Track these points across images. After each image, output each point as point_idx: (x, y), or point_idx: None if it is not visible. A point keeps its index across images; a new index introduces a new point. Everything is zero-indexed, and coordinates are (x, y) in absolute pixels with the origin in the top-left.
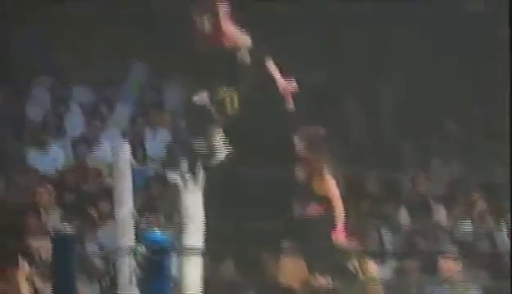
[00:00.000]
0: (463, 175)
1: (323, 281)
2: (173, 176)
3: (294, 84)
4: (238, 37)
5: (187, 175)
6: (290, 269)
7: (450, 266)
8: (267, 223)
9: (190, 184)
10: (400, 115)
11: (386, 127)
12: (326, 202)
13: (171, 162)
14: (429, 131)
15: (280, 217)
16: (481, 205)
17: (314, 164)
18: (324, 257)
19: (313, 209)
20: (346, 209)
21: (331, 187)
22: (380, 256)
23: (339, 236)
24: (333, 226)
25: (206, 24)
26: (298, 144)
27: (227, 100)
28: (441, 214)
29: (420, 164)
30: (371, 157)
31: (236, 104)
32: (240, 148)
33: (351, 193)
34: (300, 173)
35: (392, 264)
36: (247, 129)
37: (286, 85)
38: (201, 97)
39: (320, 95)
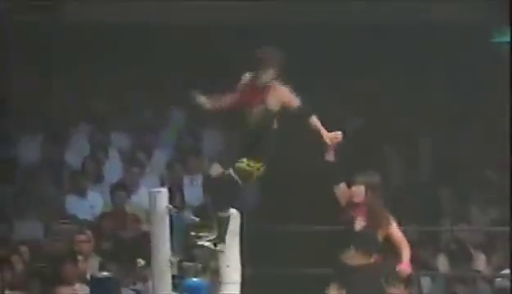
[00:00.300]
0: (502, 222)
1: None
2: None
3: (339, 134)
4: (289, 96)
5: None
6: None
7: None
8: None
9: (231, 230)
10: (439, 162)
11: (425, 175)
12: (388, 248)
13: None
14: (468, 178)
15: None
16: None
17: (379, 212)
18: None
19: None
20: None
21: (398, 232)
22: None
23: (406, 268)
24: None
25: (262, 79)
26: (358, 192)
27: (254, 173)
28: (480, 261)
29: (459, 211)
30: (410, 204)
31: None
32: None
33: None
34: (359, 223)
35: None
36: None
37: (332, 136)
38: (215, 169)
39: (358, 143)
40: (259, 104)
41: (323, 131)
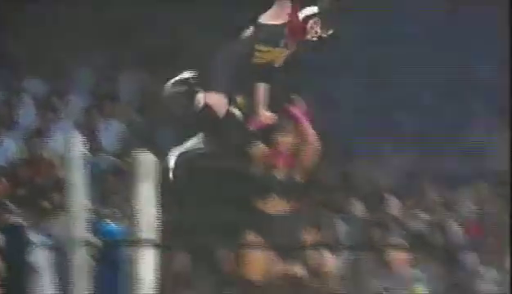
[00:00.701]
0: (415, 166)
1: (288, 272)
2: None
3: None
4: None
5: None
6: (254, 261)
7: (402, 258)
8: (229, 216)
9: (145, 175)
10: (354, 107)
11: (340, 119)
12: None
13: (125, 153)
14: (381, 123)
15: (242, 210)
16: (433, 196)
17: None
18: (290, 250)
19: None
20: (301, 201)
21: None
22: (335, 248)
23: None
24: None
25: None
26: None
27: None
28: (394, 205)
29: (373, 156)
30: (325, 149)
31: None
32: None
33: (306, 185)
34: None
35: (346, 255)
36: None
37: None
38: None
39: None
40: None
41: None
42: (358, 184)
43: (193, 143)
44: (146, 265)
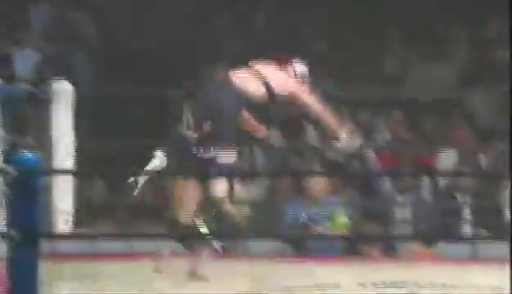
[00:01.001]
0: (332, 93)
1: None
2: None
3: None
4: None
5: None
6: (173, 189)
7: (320, 185)
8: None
9: (61, 103)
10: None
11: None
12: None
13: (40, 80)
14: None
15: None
16: (351, 124)
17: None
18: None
19: None
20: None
21: None
22: (252, 175)
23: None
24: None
25: None
26: None
27: None
28: (311, 133)
29: None
30: None
31: None
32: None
33: None
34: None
35: (263, 183)
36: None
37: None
38: None
39: None
40: None
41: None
42: (275, 112)
43: (157, 163)
44: (63, 194)
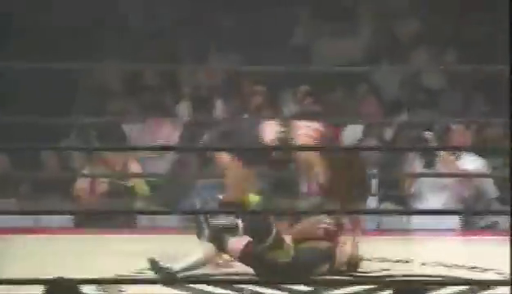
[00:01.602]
0: (240, 68)
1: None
2: None
3: None
4: None
5: None
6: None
7: (226, 159)
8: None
9: None
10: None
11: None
12: None
13: None
14: (207, 25)
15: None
16: (258, 98)
17: None
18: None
19: None
20: (126, 102)
21: None
22: (161, 150)
23: None
24: None
25: None
26: None
27: None
28: (219, 107)
29: (198, 58)
30: (150, 50)
31: None
32: None
33: (131, 86)
34: None
35: (172, 157)
36: None
37: None
38: None
39: None
40: None
41: None
42: (184, 86)
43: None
44: None
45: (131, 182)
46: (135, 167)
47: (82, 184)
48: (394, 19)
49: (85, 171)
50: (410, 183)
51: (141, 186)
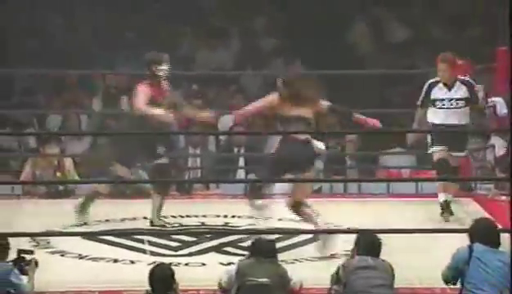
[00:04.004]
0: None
1: None
2: None
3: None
4: None
5: None
6: None
7: None
8: None
9: None
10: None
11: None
12: None
13: None
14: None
15: None
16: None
17: None
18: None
19: None
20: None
21: None
22: (78, 136)
23: None
24: None
25: None
26: None
27: None
28: (124, 102)
29: (108, 64)
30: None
31: None
32: None
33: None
34: None
35: (88, 140)
36: None
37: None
38: None
39: None
40: None
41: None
42: (97, 84)
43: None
44: None
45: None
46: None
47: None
48: (257, 36)
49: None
50: None
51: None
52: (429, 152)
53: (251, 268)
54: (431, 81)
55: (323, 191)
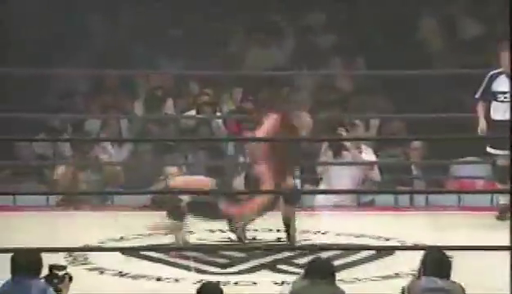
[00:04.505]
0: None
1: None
2: None
3: None
4: None
5: None
6: None
7: None
8: None
9: None
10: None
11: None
12: None
13: None
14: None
15: None
16: (202, 98)
17: None
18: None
19: None
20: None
21: None
22: (119, 142)
23: None
24: None
25: None
26: None
27: None
28: (169, 105)
29: (151, 64)
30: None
31: None
32: None
33: (94, 90)
34: None
35: (128, 147)
36: None
37: None
38: None
39: None
40: None
41: None
42: (139, 87)
43: None
44: None
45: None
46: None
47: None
48: (313, 32)
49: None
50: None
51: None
52: (488, 151)
53: (306, 290)
54: (493, 72)
55: (387, 203)
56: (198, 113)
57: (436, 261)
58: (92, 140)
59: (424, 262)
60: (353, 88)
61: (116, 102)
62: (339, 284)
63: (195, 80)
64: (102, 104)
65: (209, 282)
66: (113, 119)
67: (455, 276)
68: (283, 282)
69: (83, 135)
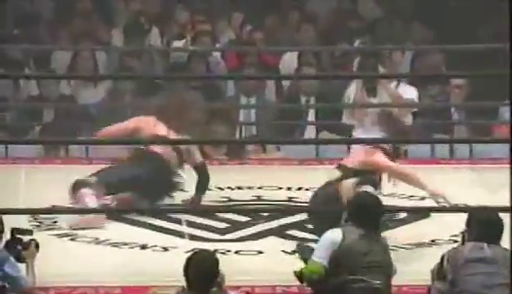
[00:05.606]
0: None
1: None
2: None
3: None
4: None
5: None
6: None
7: None
8: None
9: None
10: None
11: None
12: None
13: None
14: None
15: None
16: (199, 26)
17: None
18: None
19: None
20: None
21: None
22: (93, 79)
23: None
24: None
25: None
26: None
27: None
28: (154, 35)
29: None
30: None
31: None
32: None
33: (63, 13)
34: None
35: (105, 85)
36: None
37: None
38: None
39: None
40: None
41: None
42: (118, 13)
43: None
44: None
45: None
46: None
47: None
48: None
49: None
50: (351, 113)
51: None
52: None
53: (361, 245)
54: None
55: (423, 156)
56: (191, 44)
57: (483, 224)
58: (61, 77)
59: (468, 224)
60: (381, 14)
61: (90, 30)
62: None
63: (184, 3)
64: (72, 32)
65: (202, 251)
66: (86, 51)
67: (506, 241)
68: (294, 252)
69: (48, 70)
